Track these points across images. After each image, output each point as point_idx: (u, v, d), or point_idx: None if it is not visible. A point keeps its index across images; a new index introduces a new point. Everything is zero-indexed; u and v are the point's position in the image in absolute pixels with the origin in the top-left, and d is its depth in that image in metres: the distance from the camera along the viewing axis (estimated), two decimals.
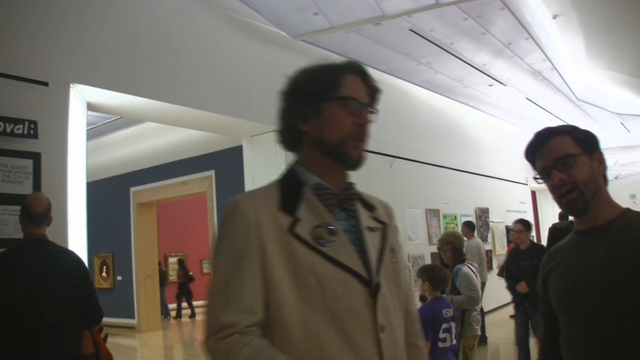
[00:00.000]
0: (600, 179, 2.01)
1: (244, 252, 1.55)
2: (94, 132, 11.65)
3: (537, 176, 2.09)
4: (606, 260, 1.88)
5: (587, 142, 2.02)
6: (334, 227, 1.63)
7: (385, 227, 1.81)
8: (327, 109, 1.68)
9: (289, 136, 1.78)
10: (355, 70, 1.74)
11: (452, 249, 6.00)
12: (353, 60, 1.81)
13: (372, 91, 1.76)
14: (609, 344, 1.85)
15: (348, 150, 1.68)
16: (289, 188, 1.69)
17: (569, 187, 1.95)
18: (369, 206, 1.82)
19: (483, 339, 9.16)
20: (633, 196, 22.04)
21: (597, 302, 1.88)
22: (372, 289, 1.62)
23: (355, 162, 1.71)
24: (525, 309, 6.88)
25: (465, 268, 5.72)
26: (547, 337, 2.26)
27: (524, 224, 7.23)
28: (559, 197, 2.00)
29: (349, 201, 1.74)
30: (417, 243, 10.72)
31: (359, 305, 1.59)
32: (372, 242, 1.71)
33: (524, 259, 6.86)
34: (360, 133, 1.70)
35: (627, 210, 2.00)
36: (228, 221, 1.61)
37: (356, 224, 1.73)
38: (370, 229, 1.75)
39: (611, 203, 2.02)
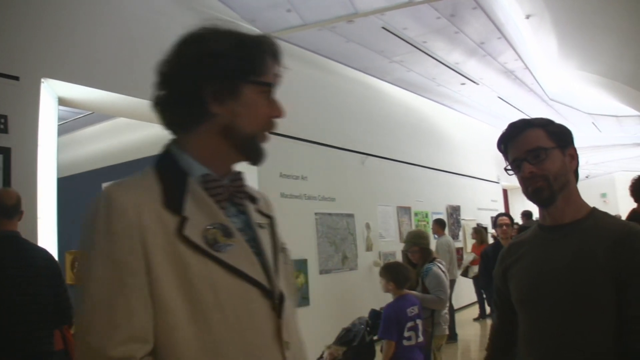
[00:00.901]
0: (571, 174, 2.01)
1: (126, 262, 1.23)
2: (66, 127, 11.48)
3: (508, 167, 2.08)
4: (575, 260, 1.87)
5: (560, 137, 2.01)
6: (229, 228, 1.37)
7: (272, 222, 1.58)
8: (248, 92, 1.42)
9: (185, 114, 1.45)
10: (275, 53, 1.48)
11: (420, 250, 5.90)
12: (269, 36, 1.51)
13: (278, 79, 1.50)
14: (573, 342, 1.85)
15: (259, 144, 1.46)
16: (170, 179, 1.38)
17: (538, 180, 1.95)
18: (252, 198, 1.56)
19: (453, 336, 9.22)
20: (604, 195, 22.43)
21: (563, 301, 1.87)
22: (275, 300, 1.39)
23: (263, 158, 1.48)
24: None
25: (435, 268, 5.63)
26: (500, 328, 2.29)
27: (510, 218, 6.95)
28: (526, 188, 2.00)
29: (238, 194, 1.48)
30: (388, 240, 10.79)
31: (263, 322, 1.36)
32: (265, 241, 1.48)
33: None
34: (272, 126, 1.48)
35: (594, 209, 2.00)
36: (101, 221, 1.27)
37: (248, 220, 1.49)
38: (260, 225, 1.51)
39: (579, 201, 2.01)
